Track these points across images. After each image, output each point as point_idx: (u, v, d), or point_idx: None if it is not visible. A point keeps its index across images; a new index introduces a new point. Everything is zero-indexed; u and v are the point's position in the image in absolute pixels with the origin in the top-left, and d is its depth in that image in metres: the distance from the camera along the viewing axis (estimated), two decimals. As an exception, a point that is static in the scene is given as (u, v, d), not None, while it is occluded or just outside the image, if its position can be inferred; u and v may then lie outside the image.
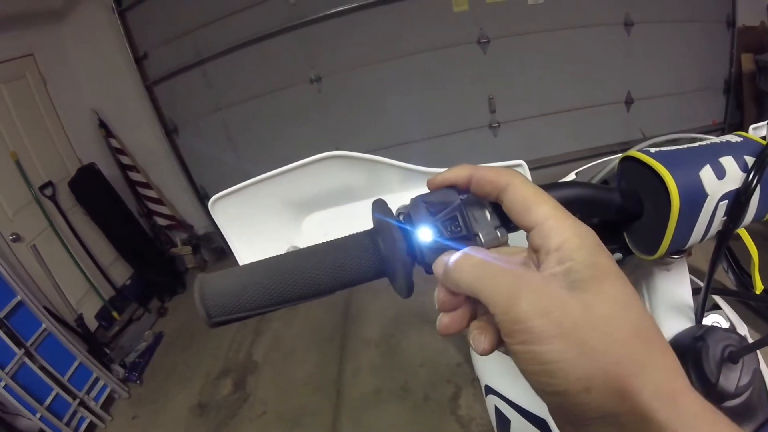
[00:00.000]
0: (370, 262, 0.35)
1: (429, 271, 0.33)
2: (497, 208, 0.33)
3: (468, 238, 0.33)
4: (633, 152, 0.45)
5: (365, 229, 0.36)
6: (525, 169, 0.52)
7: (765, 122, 0.77)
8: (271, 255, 0.36)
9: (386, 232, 0.34)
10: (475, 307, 0.33)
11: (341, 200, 0.51)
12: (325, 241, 0.36)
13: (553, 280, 0.28)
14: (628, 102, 3.54)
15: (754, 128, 0.77)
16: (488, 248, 0.33)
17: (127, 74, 3.65)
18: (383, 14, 3.29)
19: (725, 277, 2.17)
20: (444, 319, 0.33)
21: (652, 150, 0.45)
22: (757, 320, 2.13)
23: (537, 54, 3.39)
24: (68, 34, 3.63)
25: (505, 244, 0.34)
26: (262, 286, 0.33)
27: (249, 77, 3.53)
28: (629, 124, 3.55)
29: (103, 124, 3.73)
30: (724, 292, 0.64)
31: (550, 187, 0.42)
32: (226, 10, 3.35)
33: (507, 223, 0.33)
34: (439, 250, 0.32)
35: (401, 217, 0.35)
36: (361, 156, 0.47)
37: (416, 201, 0.34)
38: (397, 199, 0.41)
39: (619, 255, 0.52)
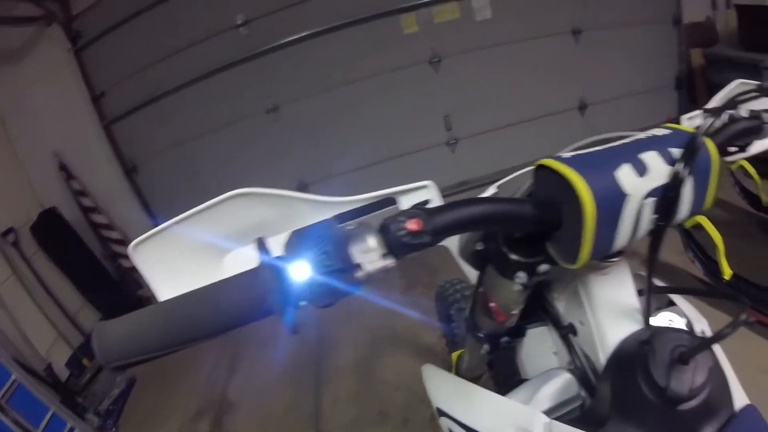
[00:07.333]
0: (251, 303, 0.33)
1: (321, 305, 0.32)
2: (388, 233, 0.32)
3: (344, 270, 0.31)
4: (544, 160, 0.44)
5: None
6: (432, 189, 0.52)
7: (698, 111, 0.73)
8: None
9: (263, 271, 0.33)
10: None
11: (258, 235, 0.50)
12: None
13: None
14: (582, 107, 3.62)
15: (689, 118, 0.72)
16: (369, 278, 0.32)
17: (86, 114, 3.61)
18: (335, 40, 3.33)
19: (692, 266, 2.15)
20: None
21: (566, 155, 0.43)
22: (715, 312, 2.12)
23: (488, 69, 3.45)
24: (26, 75, 3.55)
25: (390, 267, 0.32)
26: (152, 331, 0.33)
27: (206, 111, 3.51)
28: (585, 129, 3.61)
29: (63, 167, 3.65)
30: (673, 291, 0.61)
31: (453, 206, 0.40)
32: (179, 45, 3.34)
33: (398, 248, 0.32)
34: (320, 285, 0.31)
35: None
36: (268, 192, 0.47)
37: (290, 235, 0.33)
38: None
39: (546, 266, 0.49)
